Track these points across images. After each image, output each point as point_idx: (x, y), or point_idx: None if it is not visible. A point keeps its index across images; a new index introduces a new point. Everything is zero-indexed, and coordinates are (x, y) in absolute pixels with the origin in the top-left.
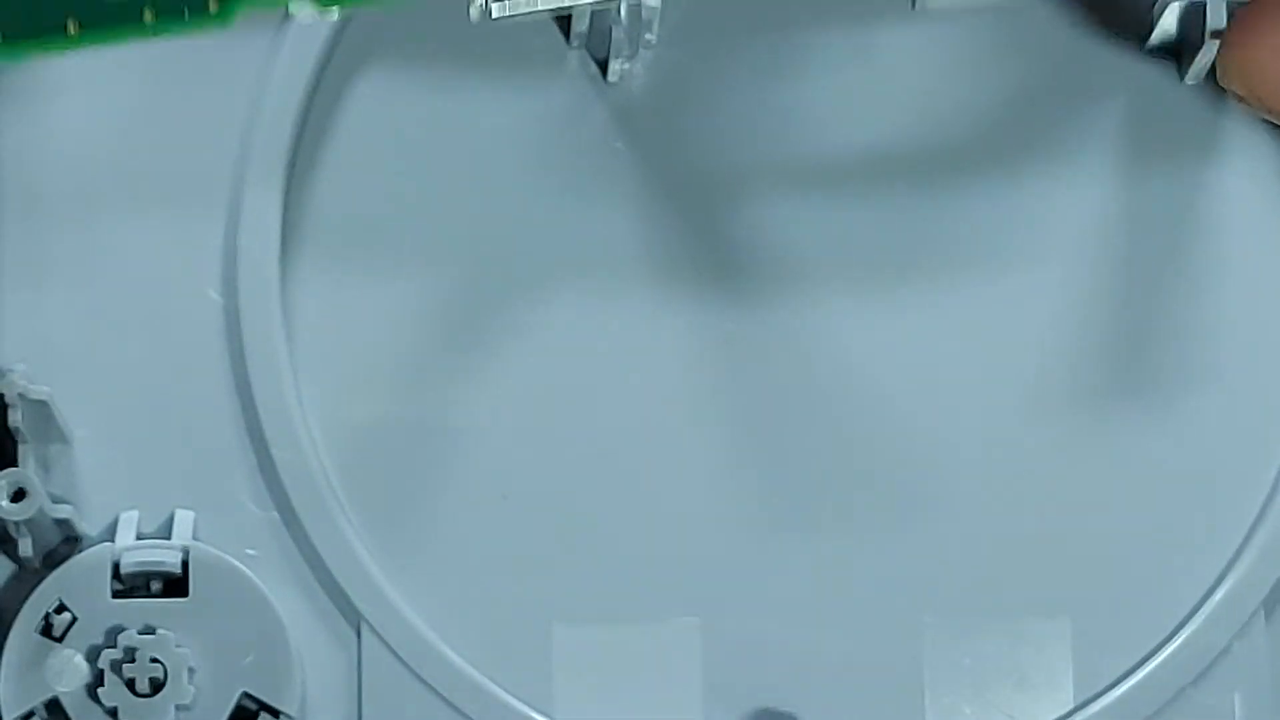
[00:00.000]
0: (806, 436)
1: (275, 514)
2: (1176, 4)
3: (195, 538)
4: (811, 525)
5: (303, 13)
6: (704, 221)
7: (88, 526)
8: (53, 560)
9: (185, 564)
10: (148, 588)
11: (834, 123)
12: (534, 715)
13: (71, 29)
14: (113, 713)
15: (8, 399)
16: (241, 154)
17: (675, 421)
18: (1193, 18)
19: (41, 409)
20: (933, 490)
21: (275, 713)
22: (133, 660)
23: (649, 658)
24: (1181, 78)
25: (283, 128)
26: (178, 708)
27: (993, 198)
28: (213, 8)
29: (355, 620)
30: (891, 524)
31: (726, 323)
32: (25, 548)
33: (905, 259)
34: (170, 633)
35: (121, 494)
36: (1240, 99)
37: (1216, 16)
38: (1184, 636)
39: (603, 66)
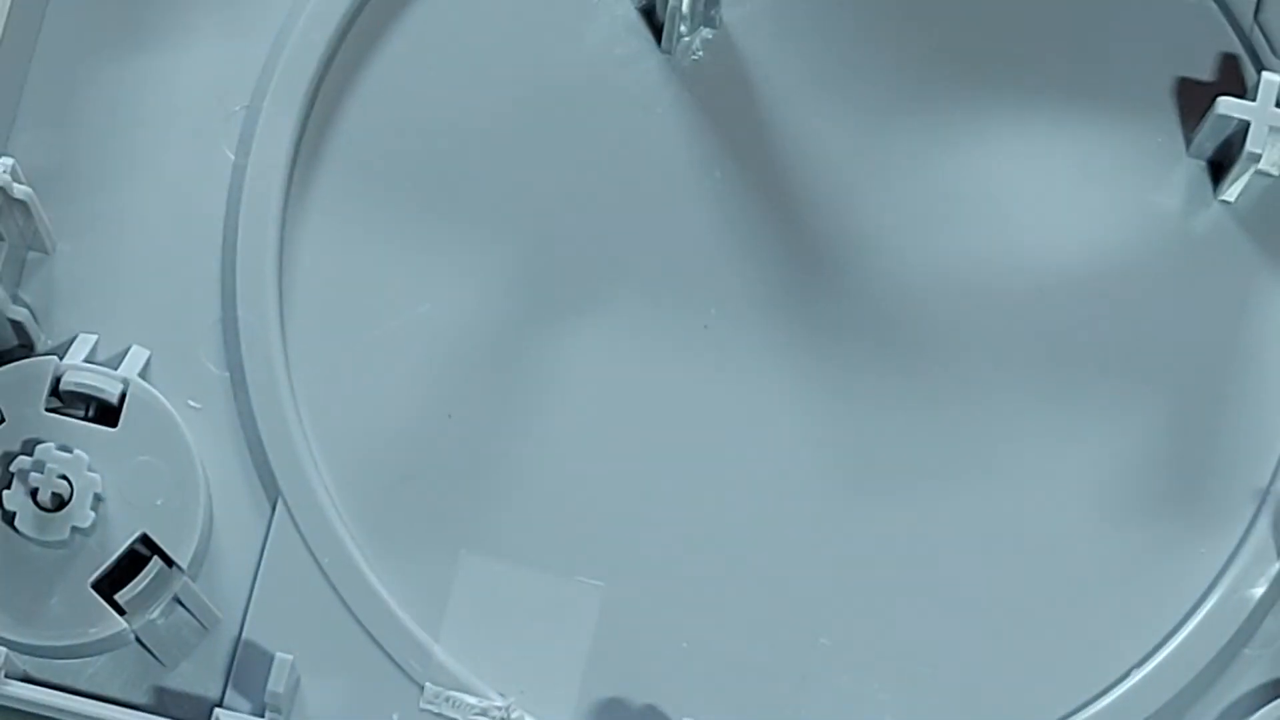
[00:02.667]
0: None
1: (227, 374)
2: (1220, 121)
3: (146, 378)
4: (749, 539)
5: None
6: (744, 206)
7: (46, 340)
8: (2, 362)
9: (124, 397)
10: (86, 411)
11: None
12: (416, 630)
13: None
14: (9, 518)
15: None
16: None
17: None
18: (1234, 138)
19: (22, 209)
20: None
21: (169, 561)
22: (42, 471)
23: (544, 608)
24: (1216, 192)
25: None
26: (74, 529)
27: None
28: None
29: (274, 494)
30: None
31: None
32: None
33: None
34: (86, 455)
35: (88, 318)
36: None
37: (1257, 139)
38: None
39: (658, 34)
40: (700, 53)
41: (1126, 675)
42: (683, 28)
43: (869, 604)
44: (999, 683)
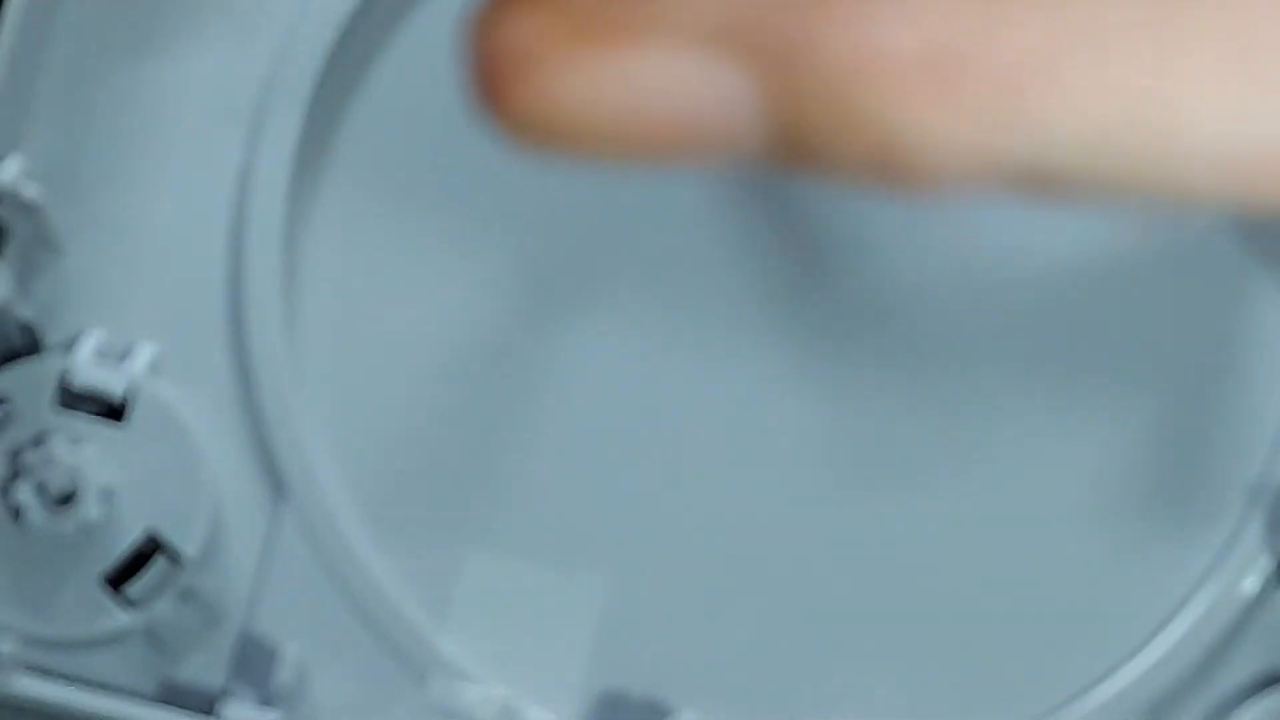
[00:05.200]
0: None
1: (234, 370)
2: None
3: (153, 375)
4: (749, 530)
5: None
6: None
7: (55, 338)
8: (11, 360)
9: (131, 393)
10: (95, 408)
11: None
12: (420, 622)
13: None
14: (18, 512)
15: None
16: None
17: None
18: None
19: (30, 211)
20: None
21: (176, 555)
22: (50, 467)
23: (548, 605)
24: None
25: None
26: (82, 524)
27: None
28: None
29: (280, 488)
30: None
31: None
32: None
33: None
34: (94, 451)
35: (96, 316)
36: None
37: None
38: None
39: None
40: None
41: (1118, 668)
42: None
43: (868, 598)
44: (991, 676)
